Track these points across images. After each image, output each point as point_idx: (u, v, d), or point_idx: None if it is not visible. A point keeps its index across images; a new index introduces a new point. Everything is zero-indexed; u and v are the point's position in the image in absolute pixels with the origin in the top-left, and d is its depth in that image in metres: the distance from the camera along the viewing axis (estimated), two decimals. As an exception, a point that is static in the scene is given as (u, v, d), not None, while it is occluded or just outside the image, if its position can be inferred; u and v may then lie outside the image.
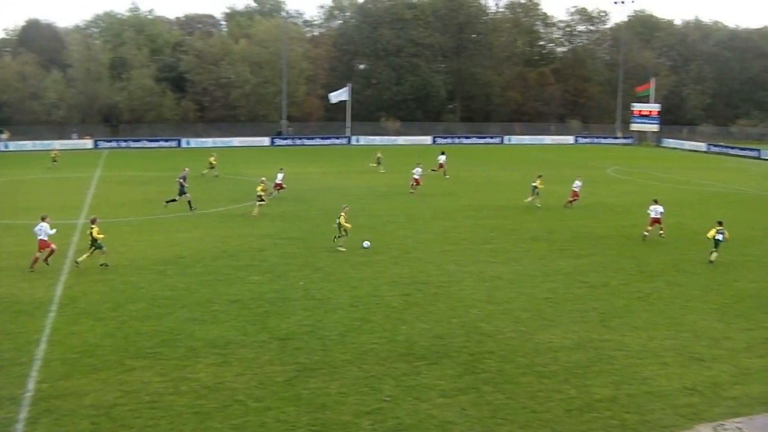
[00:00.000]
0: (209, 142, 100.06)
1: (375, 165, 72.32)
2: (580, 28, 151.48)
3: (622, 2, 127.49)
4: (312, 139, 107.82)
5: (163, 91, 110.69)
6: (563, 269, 33.31)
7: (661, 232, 41.29)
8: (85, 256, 32.00)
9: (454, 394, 19.29)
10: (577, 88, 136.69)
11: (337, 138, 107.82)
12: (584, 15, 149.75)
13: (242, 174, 65.48)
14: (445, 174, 65.50)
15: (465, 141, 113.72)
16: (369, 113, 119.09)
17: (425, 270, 32.39)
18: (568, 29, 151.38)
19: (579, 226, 44.07)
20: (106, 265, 31.77)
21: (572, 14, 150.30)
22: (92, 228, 31.82)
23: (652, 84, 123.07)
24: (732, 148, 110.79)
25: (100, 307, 26.18)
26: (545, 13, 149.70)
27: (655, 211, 41.11)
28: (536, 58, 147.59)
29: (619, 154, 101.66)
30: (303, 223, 42.78)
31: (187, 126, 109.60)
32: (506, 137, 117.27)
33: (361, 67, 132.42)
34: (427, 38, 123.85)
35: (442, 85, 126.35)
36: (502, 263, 34.09)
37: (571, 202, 51.47)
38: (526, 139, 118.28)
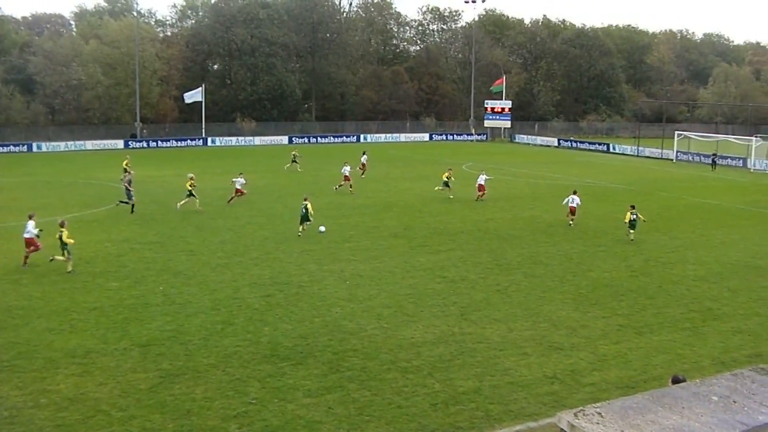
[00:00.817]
0: (62, 145, 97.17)
1: (290, 164, 72.16)
2: (433, 26, 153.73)
3: (473, 1, 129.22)
4: (167, 141, 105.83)
5: (12, 94, 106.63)
6: (423, 265, 33.69)
7: (572, 222, 44.33)
8: (62, 259, 32.01)
9: (320, 394, 19.30)
10: (431, 86, 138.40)
11: (193, 140, 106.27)
12: (437, 14, 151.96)
13: (96, 178, 63.96)
14: (362, 174, 65.91)
15: (321, 140, 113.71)
16: (224, 114, 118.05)
17: (286, 270, 32.29)
18: (421, 28, 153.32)
19: (437, 222, 44.65)
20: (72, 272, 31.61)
21: (425, 13, 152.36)
22: (62, 231, 31.82)
23: (503, 81, 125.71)
24: (581, 142, 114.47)
25: (-50, 319, 25.23)
26: (398, 12, 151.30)
27: (573, 200, 44.37)
28: (390, 56, 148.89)
29: (474, 150, 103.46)
30: (160, 227, 42.05)
31: (38, 130, 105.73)
32: (362, 135, 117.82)
33: (216, 67, 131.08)
34: (281, 38, 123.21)
35: (298, 84, 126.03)
36: (363, 261, 34.27)
37: (480, 196, 53.20)
38: (382, 137, 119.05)
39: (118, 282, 30.15)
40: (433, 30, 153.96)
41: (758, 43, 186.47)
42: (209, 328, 24.25)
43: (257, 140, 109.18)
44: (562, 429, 9.92)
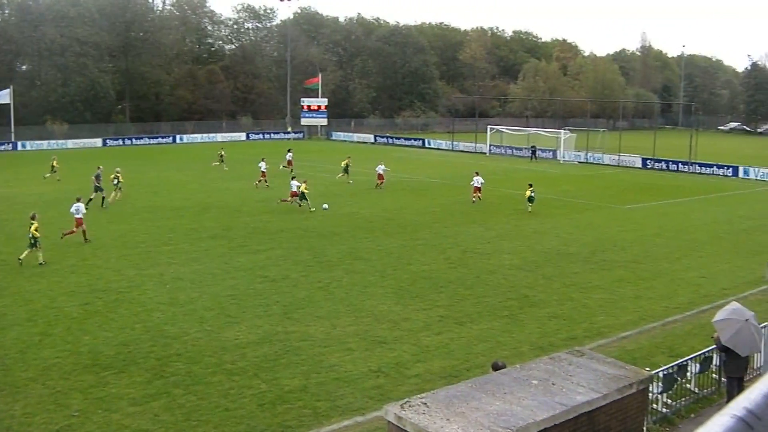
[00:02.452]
0: None
1: (218, 163, 72.32)
2: (248, 25, 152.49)
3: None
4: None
5: None
6: (244, 265, 33.51)
7: (477, 198, 52.13)
8: (25, 253, 33.33)
9: (145, 401, 18.92)
10: (247, 85, 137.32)
11: (2, 144, 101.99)
12: (251, 12, 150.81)
13: None
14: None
15: (136, 141, 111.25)
16: (35, 117, 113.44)
17: (104, 276, 31.50)
18: (236, 26, 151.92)
19: (256, 221, 44.44)
20: (43, 263, 33.36)
21: (239, 11, 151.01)
22: (32, 224, 33.50)
23: (319, 79, 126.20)
24: (398, 138, 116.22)
25: None
26: (213, 11, 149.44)
27: (477, 181, 52.06)
28: (205, 55, 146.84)
29: (291, 148, 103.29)
30: (-32, 236, 40.31)
31: None
32: (178, 136, 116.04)
33: (24, 68, 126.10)
34: (93, 37, 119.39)
35: (111, 85, 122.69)
36: (183, 264, 33.79)
37: (379, 184, 59.43)
38: (198, 137, 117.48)
39: (-76, 296, 28.75)
40: (248, 28, 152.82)
41: (564, 40, 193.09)
42: (26, 341, 23.36)
43: (70, 143, 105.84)
44: (389, 422, 10.06)
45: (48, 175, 63.85)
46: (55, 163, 64.80)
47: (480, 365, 20.79)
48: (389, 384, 20.11)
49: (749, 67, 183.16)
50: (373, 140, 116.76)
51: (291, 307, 27.15)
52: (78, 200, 39.19)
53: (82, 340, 23.45)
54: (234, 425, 17.70)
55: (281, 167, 68.21)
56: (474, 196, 52.21)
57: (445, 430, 9.31)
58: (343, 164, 63.09)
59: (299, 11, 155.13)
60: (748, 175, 74.14)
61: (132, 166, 71.92)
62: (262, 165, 60.23)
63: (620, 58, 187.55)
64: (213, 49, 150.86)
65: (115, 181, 51.73)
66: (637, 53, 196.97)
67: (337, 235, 40.59)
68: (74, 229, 38.38)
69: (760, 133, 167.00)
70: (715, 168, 77.64)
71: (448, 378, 20.04)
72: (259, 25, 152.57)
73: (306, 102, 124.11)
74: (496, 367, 14.02)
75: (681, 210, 51.90)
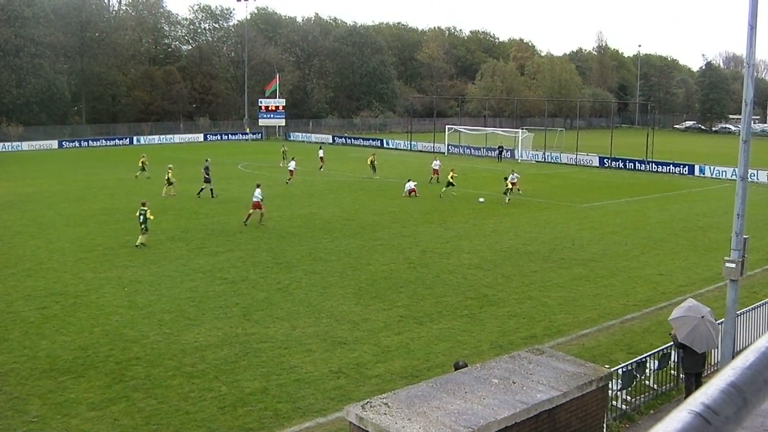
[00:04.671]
0: None
1: (283, 161, 74.34)
2: (205, 25, 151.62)
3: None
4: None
5: None
6: (202, 267, 33.30)
7: (510, 193, 54.14)
8: (140, 237, 37.31)
9: (105, 406, 18.74)
10: (204, 86, 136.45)
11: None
12: (208, 12, 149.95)
13: None
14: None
15: (93, 143, 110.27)
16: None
17: (61, 280, 31.16)
18: (193, 27, 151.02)
19: (214, 223, 44.21)
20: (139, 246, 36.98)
21: (196, 11, 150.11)
22: (145, 209, 37.24)
23: (276, 81, 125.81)
24: (356, 138, 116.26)
25: None
26: (169, 11, 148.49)
27: (514, 177, 55.54)
28: (162, 56, 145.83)
29: (249, 149, 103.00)
30: None
31: None
32: (135, 138, 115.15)
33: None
34: (48, 37, 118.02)
35: (67, 86, 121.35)
36: (141, 266, 33.49)
37: (433, 178, 63.43)
38: (155, 138, 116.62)
39: None
40: (205, 29, 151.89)
41: (521, 40, 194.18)
42: (-19, 345, 23.12)
43: (25, 145, 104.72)
44: (351, 422, 10.05)
45: (138, 174, 64.87)
46: (144, 162, 65.65)
47: (440, 365, 20.84)
48: (350, 385, 20.08)
49: (704, 67, 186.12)
50: (331, 140, 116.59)
51: (251, 308, 27.06)
52: (258, 186, 44.23)
53: (39, 344, 23.18)
54: (194, 428, 17.59)
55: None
56: (517, 190, 55.85)
57: (406, 430, 9.31)
58: (368, 161, 68.66)
59: (256, 11, 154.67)
60: (703, 173, 74.90)
61: (88, 168, 71.33)
62: (292, 164, 63.71)
63: (577, 57, 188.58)
64: (169, 49, 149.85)
65: (167, 177, 54.95)
66: (594, 53, 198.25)
67: (296, 236, 40.49)
68: (261, 210, 43.74)
69: (715, 131, 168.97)
70: (671, 166, 78.37)
71: (408, 378, 20.05)
72: (216, 26, 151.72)
73: (264, 102, 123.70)
74: (457, 367, 14.07)
75: (638, 208, 52.33)
